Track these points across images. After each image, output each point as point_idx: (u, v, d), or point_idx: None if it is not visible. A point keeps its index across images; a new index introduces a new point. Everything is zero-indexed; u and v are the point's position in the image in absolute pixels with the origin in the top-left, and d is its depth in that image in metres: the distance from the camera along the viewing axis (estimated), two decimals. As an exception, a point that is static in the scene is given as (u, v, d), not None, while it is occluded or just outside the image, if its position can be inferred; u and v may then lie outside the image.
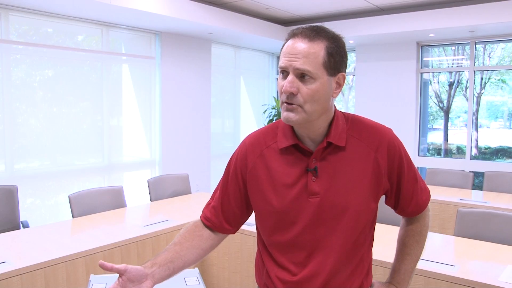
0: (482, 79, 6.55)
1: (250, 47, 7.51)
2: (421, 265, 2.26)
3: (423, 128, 6.87)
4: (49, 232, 2.92)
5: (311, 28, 1.19)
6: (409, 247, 1.42)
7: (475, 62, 6.35)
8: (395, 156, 1.28)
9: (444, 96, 6.94)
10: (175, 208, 3.67)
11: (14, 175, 4.58)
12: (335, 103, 1.29)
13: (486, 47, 6.51)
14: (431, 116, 7.14)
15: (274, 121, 1.38)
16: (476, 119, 6.56)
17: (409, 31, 5.86)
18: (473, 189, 4.53)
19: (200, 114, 6.57)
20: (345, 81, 1.24)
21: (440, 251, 2.60)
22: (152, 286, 1.20)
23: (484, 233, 2.84)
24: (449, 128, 6.95)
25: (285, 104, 1.19)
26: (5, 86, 4.50)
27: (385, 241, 2.61)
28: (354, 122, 1.30)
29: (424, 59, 6.79)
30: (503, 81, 6.58)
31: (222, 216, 1.38)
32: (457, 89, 6.82)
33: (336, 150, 1.25)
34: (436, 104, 7.05)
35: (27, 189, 4.78)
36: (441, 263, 2.31)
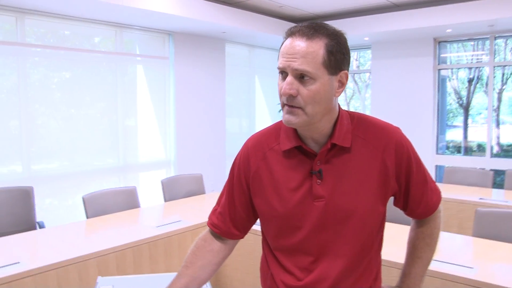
0: (503, 74, 6.38)
1: (264, 46, 7.47)
2: (437, 266, 2.20)
3: (441, 126, 6.73)
4: (62, 233, 2.94)
5: (309, 25, 1.14)
6: (419, 250, 1.36)
7: (495, 57, 6.20)
8: (403, 156, 1.23)
9: (464, 93, 6.80)
10: (188, 208, 3.66)
11: (32, 176, 4.63)
12: (339, 102, 1.24)
13: (508, 41, 6.34)
14: (451, 113, 7.00)
15: (277, 122, 1.34)
16: (498, 115, 6.40)
17: (425, 27, 5.74)
18: (493, 188, 4.41)
19: (214, 113, 6.56)
20: (348, 79, 1.19)
21: (457, 252, 2.53)
22: None
23: (505, 234, 2.75)
24: (469, 125, 6.80)
25: (286, 106, 1.15)
26: (24, 88, 4.55)
27: (398, 242, 2.55)
28: (359, 122, 1.25)
29: (441, 55, 6.65)
30: (526, 77, 6.41)
31: (229, 222, 1.35)
32: (477, 85, 6.67)
33: (341, 152, 1.20)
34: (455, 101, 6.91)
35: (45, 189, 4.83)
36: (458, 265, 2.25)
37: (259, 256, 1.42)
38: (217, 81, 6.58)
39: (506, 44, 6.38)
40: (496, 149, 6.37)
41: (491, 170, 4.96)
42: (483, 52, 6.51)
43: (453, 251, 2.53)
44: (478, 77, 6.61)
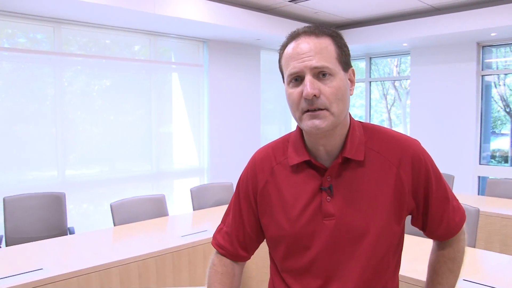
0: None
1: (300, 53, 7.38)
2: (472, 288, 2.04)
3: (485, 134, 6.39)
4: (89, 240, 2.95)
5: (310, 26, 1.09)
6: (440, 275, 1.22)
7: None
8: (420, 170, 1.12)
9: None
10: (216, 218, 3.61)
11: (69, 182, 4.73)
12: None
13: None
14: (499, 121, 6.65)
15: (284, 135, 1.25)
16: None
17: (468, 31, 5.48)
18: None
19: (249, 121, 6.52)
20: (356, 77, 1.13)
21: (499, 273, 2.34)
22: None
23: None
24: (517, 133, 6.43)
25: (307, 113, 1.05)
26: (61, 96, 4.67)
27: (413, 255, 2.42)
28: (373, 133, 1.15)
29: (486, 60, 6.33)
30: None
31: (237, 242, 1.26)
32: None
33: (353, 166, 1.11)
34: (502, 108, 6.56)
35: (82, 195, 4.93)
36: None
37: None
38: (252, 88, 6.54)
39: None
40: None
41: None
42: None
43: (493, 271, 2.34)
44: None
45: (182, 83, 5.94)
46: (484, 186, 6.07)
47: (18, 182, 4.42)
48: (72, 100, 4.83)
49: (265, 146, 1.27)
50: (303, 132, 1.16)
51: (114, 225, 3.33)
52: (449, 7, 5.66)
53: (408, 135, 1.17)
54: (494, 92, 6.52)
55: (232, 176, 6.02)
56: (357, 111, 8.40)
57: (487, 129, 6.43)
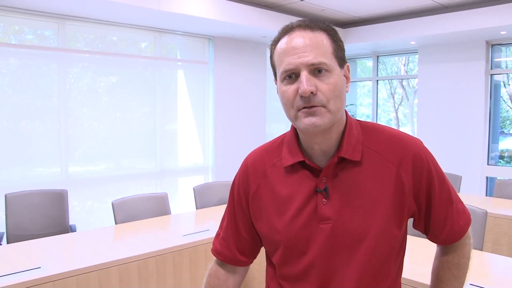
0: None
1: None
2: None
3: (494, 134, 6.30)
4: (89, 238, 2.92)
5: (304, 20, 1.03)
6: (444, 282, 1.15)
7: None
8: (422, 171, 1.05)
9: (521, 99, 6.35)
10: (219, 217, 3.54)
11: (73, 179, 4.72)
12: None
13: None
14: (507, 121, 6.56)
15: (279, 136, 1.20)
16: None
17: (477, 29, 5.39)
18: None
19: (254, 119, 6.47)
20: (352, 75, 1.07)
21: (507, 277, 2.27)
22: None
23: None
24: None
25: (303, 109, 0.99)
26: (64, 93, 4.65)
27: (417, 257, 2.37)
28: (372, 132, 1.09)
29: (495, 59, 6.23)
30: None
31: (234, 247, 1.21)
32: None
33: (350, 166, 1.05)
34: (511, 108, 6.46)
35: (86, 192, 4.92)
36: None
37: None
38: (258, 85, 6.49)
39: None
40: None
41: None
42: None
43: (503, 275, 2.28)
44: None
45: (187, 81, 5.91)
46: (492, 187, 5.97)
47: (22, 178, 4.41)
48: (78, 97, 4.82)
49: (257, 148, 1.22)
50: (298, 131, 1.11)
51: (116, 223, 3.30)
52: (458, 5, 5.57)
53: (415, 134, 1.12)
54: (503, 91, 6.43)
55: (236, 174, 5.99)
56: (364, 110, 8.33)
57: (495, 129, 6.33)
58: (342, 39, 1.07)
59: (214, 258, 1.27)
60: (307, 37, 0.99)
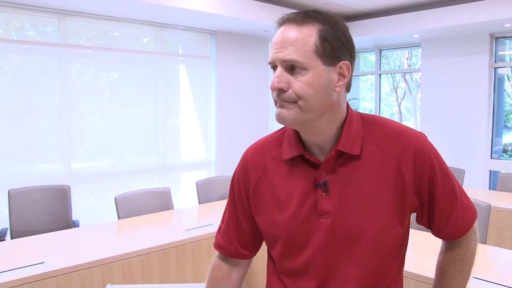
0: None
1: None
2: (484, 287, 1.97)
3: (497, 128, 6.27)
4: (92, 234, 2.93)
5: (301, 12, 1.01)
6: (449, 277, 1.14)
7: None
8: (424, 165, 1.04)
9: (525, 93, 6.31)
10: (221, 211, 3.55)
11: (76, 174, 4.72)
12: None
13: None
14: (511, 115, 6.52)
15: (279, 129, 1.19)
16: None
17: (481, 22, 5.35)
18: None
19: (257, 113, 6.46)
20: (350, 72, 1.02)
21: (510, 271, 2.27)
22: None
23: None
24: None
25: (278, 101, 1.01)
26: (66, 89, 4.65)
27: (421, 251, 2.36)
28: (373, 125, 1.07)
29: (499, 52, 6.19)
30: None
31: (236, 241, 1.21)
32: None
33: (350, 160, 1.04)
34: (515, 102, 6.43)
35: (89, 187, 4.92)
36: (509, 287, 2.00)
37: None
38: (260, 80, 6.48)
39: None
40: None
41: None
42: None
43: (507, 269, 2.27)
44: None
45: (189, 76, 5.90)
46: (495, 181, 5.95)
47: (25, 175, 4.41)
48: (81, 93, 4.81)
49: (257, 141, 1.21)
50: None
51: (119, 218, 3.30)
52: (461, -3, 5.53)
53: (418, 129, 1.10)
54: (507, 85, 6.39)
55: (239, 169, 5.99)
56: (367, 104, 8.30)
57: (499, 122, 6.30)
58: None
59: (217, 252, 1.27)
60: (290, 33, 0.98)
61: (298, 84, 0.97)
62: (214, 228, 2.97)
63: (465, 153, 6.16)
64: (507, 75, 6.33)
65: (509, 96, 6.40)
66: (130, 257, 2.51)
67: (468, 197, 1.14)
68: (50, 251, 2.56)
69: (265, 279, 1.24)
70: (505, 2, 5.08)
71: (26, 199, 3.49)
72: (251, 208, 1.16)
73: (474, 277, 2.04)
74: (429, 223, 1.12)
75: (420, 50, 6.82)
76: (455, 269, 1.14)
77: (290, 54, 0.96)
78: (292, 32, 0.97)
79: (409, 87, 8.71)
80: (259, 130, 6.48)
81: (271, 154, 1.14)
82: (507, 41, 6.24)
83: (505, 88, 6.36)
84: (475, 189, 4.99)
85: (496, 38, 6.10)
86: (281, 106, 1.00)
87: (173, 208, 3.64)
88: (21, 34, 4.48)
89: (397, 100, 8.83)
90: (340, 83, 1.01)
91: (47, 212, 3.56)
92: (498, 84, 6.22)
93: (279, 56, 0.98)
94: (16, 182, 3.97)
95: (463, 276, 1.14)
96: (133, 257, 2.52)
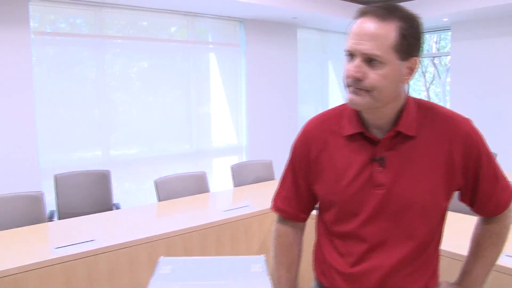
0: None
1: (337, 31, 7.29)
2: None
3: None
4: (135, 215, 3.10)
5: (382, 6, 1.08)
6: (484, 249, 1.26)
7: None
8: (472, 150, 1.15)
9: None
10: (256, 194, 3.69)
11: (112, 161, 4.91)
12: (410, 89, 1.18)
13: None
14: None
15: (338, 105, 1.29)
16: None
17: (514, 3, 5.26)
18: None
19: (286, 100, 6.54)
20: (418, 66, 1.13)
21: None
22: None
23: None
24: None
25: (351, 87, 1.11)
26: (103, 78, 4.82)
27: (454, 230, 2.39)
28: (427, 111, 1.19)
29: (533, 34, 6.07)
30: None
31: (296, 205, 1.35)
32: None
33: (406, 140, 1.16)
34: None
35: (124, 173, 5.11)
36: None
37: (311, 240, 1.40)
38: (289, 67, 6.54)
39: None
40: None
41: None
42: None
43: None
44: None
45: (219, 63, 6.00)
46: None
47: (67, 161, 4.62)
48: (112, 82, 4.97)
49: (317, 115, 1.32)
50: None
51: (159, 201, 3.46)
52: (494, -22, 5.43)
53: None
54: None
55: (270, 154, 6.07)
56: (395, 89, 8.25)
57: (533, 106, 6.20)
58: None
59: (276, 218, 1.41)
60: (372, 27, 1.06)
61: (374, 76, 1.07)
62: (250, 210, 3.11)
63: (497, 137, 6.09)
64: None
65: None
66: (173, 236, 2.66)
67: (506, 178, 1.24)
68: (98, 230, 2.73)
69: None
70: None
71: (70, 183, 3.69)
72: (310, 176, 1.28)
73: (506, 255, 2.10)
74: (471, 201, 1.23)
75: (449, 33, 6.73)
76: (491, 241, 1.26)
77: (371, 49, 1.05)
78: (374, 26, 1.06)
79: (438, 72, 8.61)
80: (289, 117, 6.56)
81: (331, 128, 1.25)
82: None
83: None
84: (509, 172, 4.95)
85: (530, 20, 5.97)
86: (354, 92, 1.10)
87: (209, 191, 3.78)
88: (54, 27, 4.65)
89: (426, 85, 8.74)
90: (408, 77, 1.12)
91: (90, 195, 3.75)
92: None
93: (360, 48, 1.06)
94: (60, 168, 4.17)
95: (497, 248, 1.26)
96: (175, 236, 2.66)
